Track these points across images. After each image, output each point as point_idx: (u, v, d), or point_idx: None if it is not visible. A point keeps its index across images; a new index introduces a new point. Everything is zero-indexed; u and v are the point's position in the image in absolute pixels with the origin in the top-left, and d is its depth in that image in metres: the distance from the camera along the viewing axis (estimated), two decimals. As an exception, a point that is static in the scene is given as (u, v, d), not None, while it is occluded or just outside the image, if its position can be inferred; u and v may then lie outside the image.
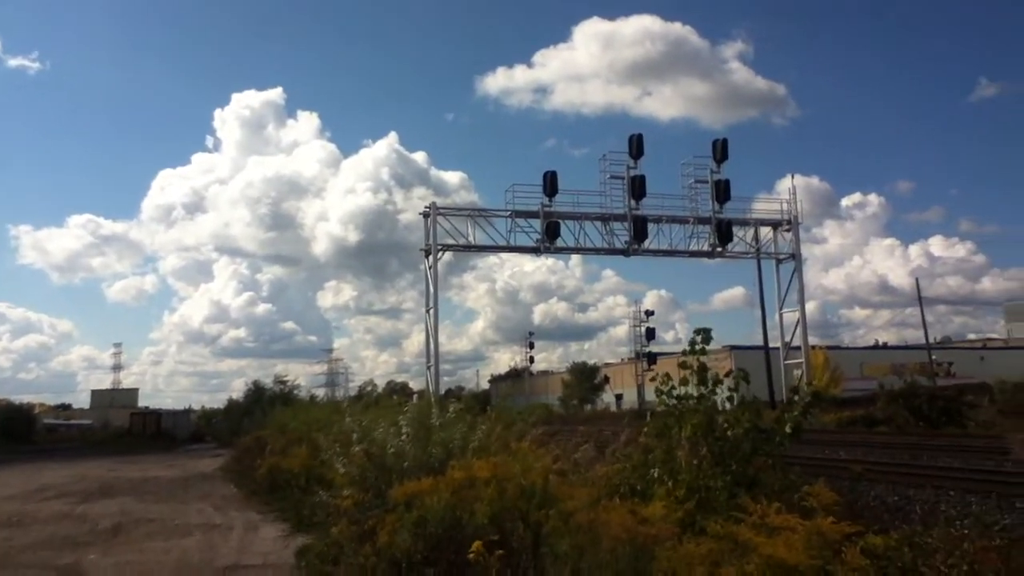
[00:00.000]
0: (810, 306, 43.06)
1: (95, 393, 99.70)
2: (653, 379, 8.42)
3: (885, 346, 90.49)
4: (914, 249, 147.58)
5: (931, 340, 68.07)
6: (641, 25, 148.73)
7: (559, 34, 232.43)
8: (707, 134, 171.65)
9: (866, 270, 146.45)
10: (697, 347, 7.97)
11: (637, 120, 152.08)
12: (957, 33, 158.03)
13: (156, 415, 65.97)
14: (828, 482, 7.15)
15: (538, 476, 8.25)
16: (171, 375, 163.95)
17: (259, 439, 24.78)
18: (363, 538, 9.27)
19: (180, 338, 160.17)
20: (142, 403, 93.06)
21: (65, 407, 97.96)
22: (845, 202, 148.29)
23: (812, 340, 46.40)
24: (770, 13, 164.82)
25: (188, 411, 74.54)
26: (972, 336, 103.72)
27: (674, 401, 8.00)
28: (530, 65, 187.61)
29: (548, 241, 37.57)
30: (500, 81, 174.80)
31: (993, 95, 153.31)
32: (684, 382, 7.94)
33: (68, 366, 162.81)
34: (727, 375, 8.01)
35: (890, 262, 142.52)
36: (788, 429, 7.79)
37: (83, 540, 12.48)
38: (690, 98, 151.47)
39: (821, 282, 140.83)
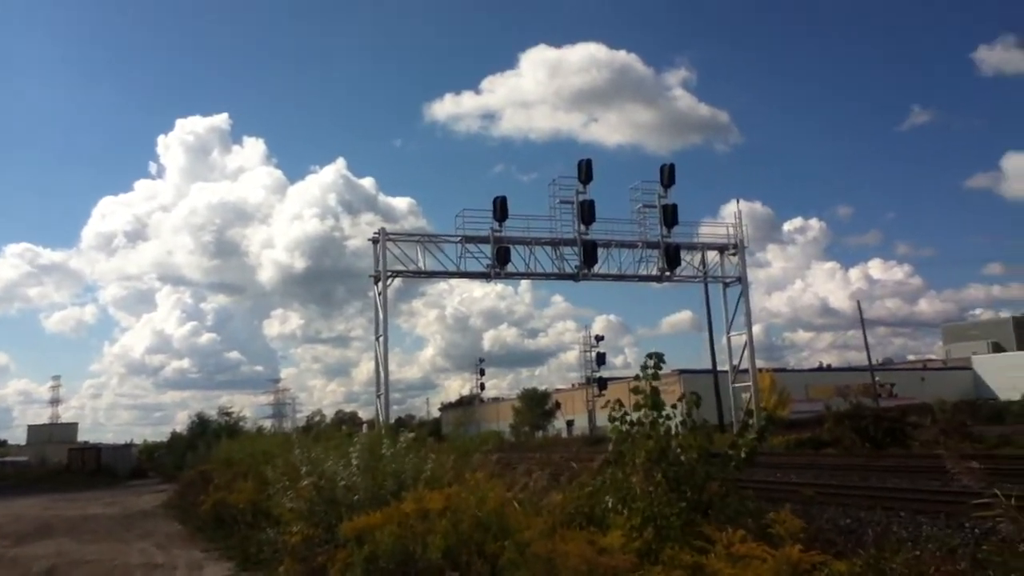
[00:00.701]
0: (756, 329, 43.62)
1: (32, 428, 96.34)
2: (605, 405, 8.31)
3: (829, 368, 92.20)
4: (854, 272, 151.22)
5: (873, 361, 69.51)
6: (587, 52, 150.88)
7: (506, 61, 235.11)
8: (653, 160, 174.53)
9: (808, 293, 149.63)
10: (649, 371, 7.90)
11: (584, 146, 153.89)
12: (890, 62, 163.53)
13: (96, 450, 63.88)
14: (780, 506, 7.13)
15: (493, 506, 8.07)
16: (112, 408, 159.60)
17: (203, 473, 24.11)
18: (313, 575, 9.01)
19: (121, 370, 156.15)
20: (82, 438, 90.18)
21: (0, 444, 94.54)
22: (787, 227, 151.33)
23: (759, 363, 46.97)
24: (713, 41, 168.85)
25: (129, 445, 72.49)
26: (912, 357, 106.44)
27: (627, 427, 7.90)
28: (478, 91, 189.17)
29: (499, 266, 37.47)
30: (447, 107, 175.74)
31: (925, 122, 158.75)
32: (636, 407, 7.85)
33: (3, 400, 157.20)
34: (680, 399, 7.94)
35: (831, 285, 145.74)
36: (743, 454, 7.75)
37: (15, 585, 11.92)
38: (635, 124, 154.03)
39: (765, 305, 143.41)
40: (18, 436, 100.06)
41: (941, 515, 12.13)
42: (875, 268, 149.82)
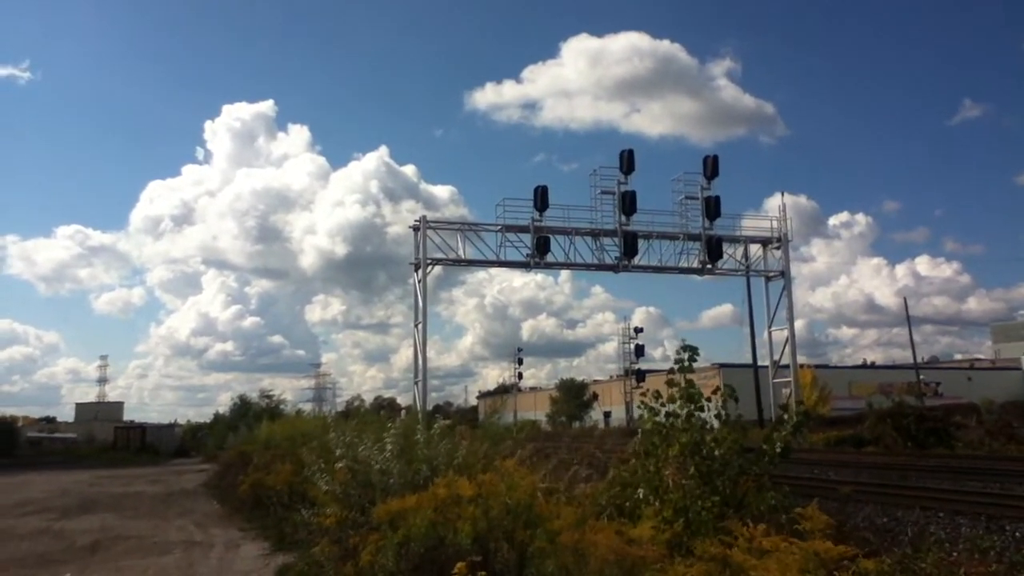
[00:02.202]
0: (798, 324, 43.06)
1: (80, 406, 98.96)
2: (642, 396, 8.26)
3: (873, 365, 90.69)
4: (900, 269, 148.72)
5: (918, 360, 68.24)
6: (629, 42, 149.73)
7: (547, 50, 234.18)
8: (695, 151, 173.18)
9: (853, 289, 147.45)
10: (684, 363, 7.85)
11: (626, 136, 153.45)
12: (942, 55, 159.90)
13: (141, 429, 65.34)
14: (817, 503, 7.05)
15: (524, 495, 8.09)
16: (157, 389, 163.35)
17: (243, 454, 24.50)
18: (345, 557, 9.10)
19: (167, 351, 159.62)
20: (127, 417, 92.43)
21: (49, 420, 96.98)
22: (832, 221, 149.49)
23: (800, 359, 46.37)
24: (758, 32, 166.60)
25: (173, 425, 73.93)
26: (959, 356, 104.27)
27: (661, 419, 7.86)
28: (519, 81, 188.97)
29: (538, 256, 37.39)
30: (489, 96, 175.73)
31: (977, 116, 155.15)
32: (671, 400, 7.81)
33: (53, 378, 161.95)
34: (714, 392, 7.87)
35: (877, 281, 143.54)
36: (778, 449, 7.68)
37: (59, 558, 12.24)
38: (678, 115, 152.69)
39: (808, 300, 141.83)
40: (66, 413, 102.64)
41: (981, 517, 11.89)
42: (923, 265, 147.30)
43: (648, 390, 8.29)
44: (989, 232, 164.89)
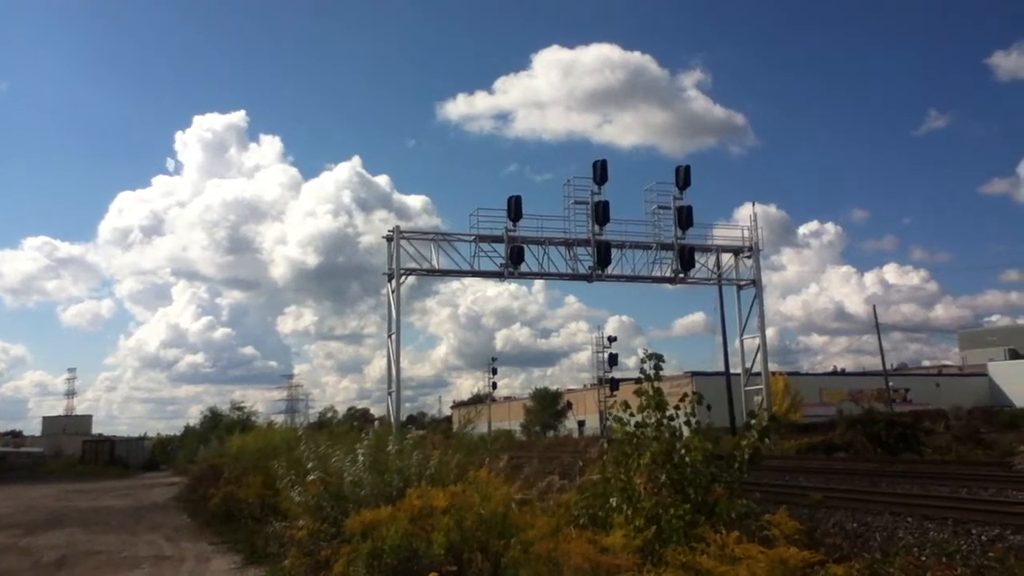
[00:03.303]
0: (769, 332, 43.42)
1: (47, 420, 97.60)
2: (611, 408, 8.30)
3: (843, 372, 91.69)
4: (869, 276, 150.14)
5: (888, 367, 69.05)
6: (601, 53, 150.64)
7: (519, 62, 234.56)
8: (667, 161, 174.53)
9: (823, 297, 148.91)
10: (650, 372, 7.88)
11: (598, 147, 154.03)
12: (908, 66, 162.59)
13: (109, 442, 64.46)
14: (788, 509, 7.10)
15: (498, 505, 8.09)
16: (126, 401, 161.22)
17: (214, 467, 24.25)
18: (317, 569, 9.05)
19: (136, 363, 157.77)
20: (96, 430, 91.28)
21: (16, 434, 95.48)
22: (802, 230, 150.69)
23: (772, 366, 46.76)
24: (728, 43, 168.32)
25: (143, 438, 72.95)
26: (927, 363, 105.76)
27: (631, 428, 7.88)
28: (491, 92, 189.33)
29: (512, 266, 37.49)
30: (461, 107, 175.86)
31: (942, 126, 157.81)
32: (641, 409, 7.84)
33: (20, 391, 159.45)
34: (682, 399, 7.91)
35: (846, 289, 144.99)
36: (746, 455, 7.73)
37: (25, 575, 12.02)
38: (650, 126, 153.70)
39: (779, 308, 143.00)
40: (34, 427, 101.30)
41: (948, 521, 12.05)
42: (891, 273, 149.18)
43: (616, 400, 8.32)
44: (956, 240, 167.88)
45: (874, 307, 65.83)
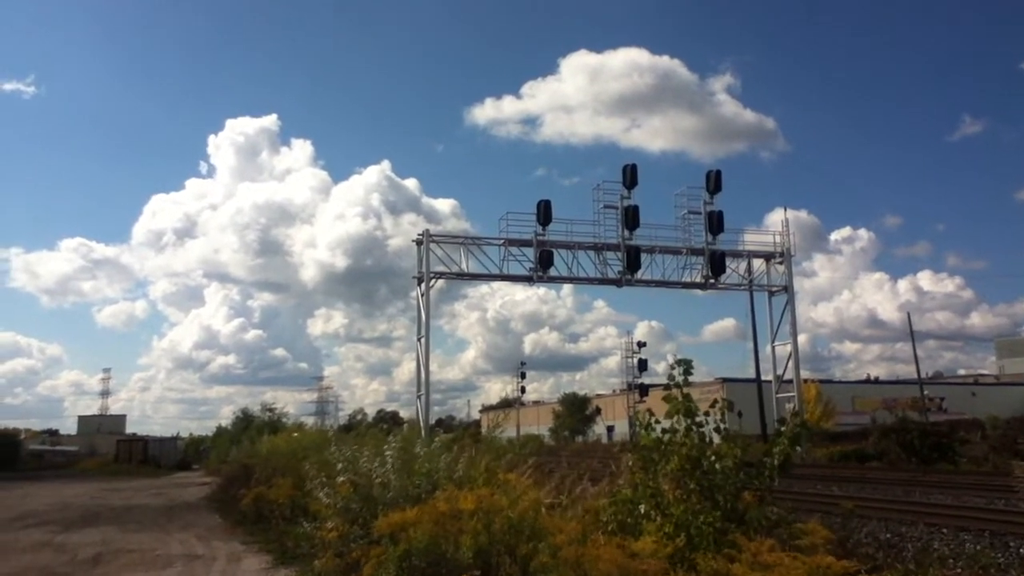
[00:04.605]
0: (801, 339, 42.94)
1: (82, 419, 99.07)
2: (638, 413, 8.28)
3: (876, 380, 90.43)
4: (903, 284, 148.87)
5: (922, 375, 68.02)
6: (628, 58, 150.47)
7: (546, 66, 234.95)
8: (696, 166, 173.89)
9: (855, 304, 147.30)
10: (678, 378, 7.83)
11: (626, 151, 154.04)
12: (941, 71, 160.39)
13: (143, 442, 65.23)
14: (819, 518, 7.03)
15: (527, 509, 8.08)
16: (159, 401, 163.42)
17: (246, 467, 24.46)
18: (347, 571, 9.10)
19: (169, 364, 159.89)
20: (129, 429, 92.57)
21: (52, 433, 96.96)
22: (834, 236, 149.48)
23: (804, 374, 46.23)
24: (757, 47, 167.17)
25: (175, 438, 73.78)
26: (963, 371, 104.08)
27: (657, 435, 7.82)
28: (518, 96, 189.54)
29: (541, 270, 37.41)
30: (488, 112, 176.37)
31: (976, 132, 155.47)
32: (669, 415, 7.79)
33: (56, 391, 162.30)
34: (712, 405, 7.84)
35: (879, 296, 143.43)
36: (776, 461, 7.64)
37: (61, 571, 12.22)
38: (679, 130, 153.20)
39: (811, 315, 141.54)
40: (69, 426, 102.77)
41: (985, 533, 11.85)
42: (925, 280, 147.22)
43: (646, 406, 8.28)
44: (991, 247, 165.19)
45: (908, 314, 64.80)
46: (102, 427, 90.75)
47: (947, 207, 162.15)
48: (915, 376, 64.65)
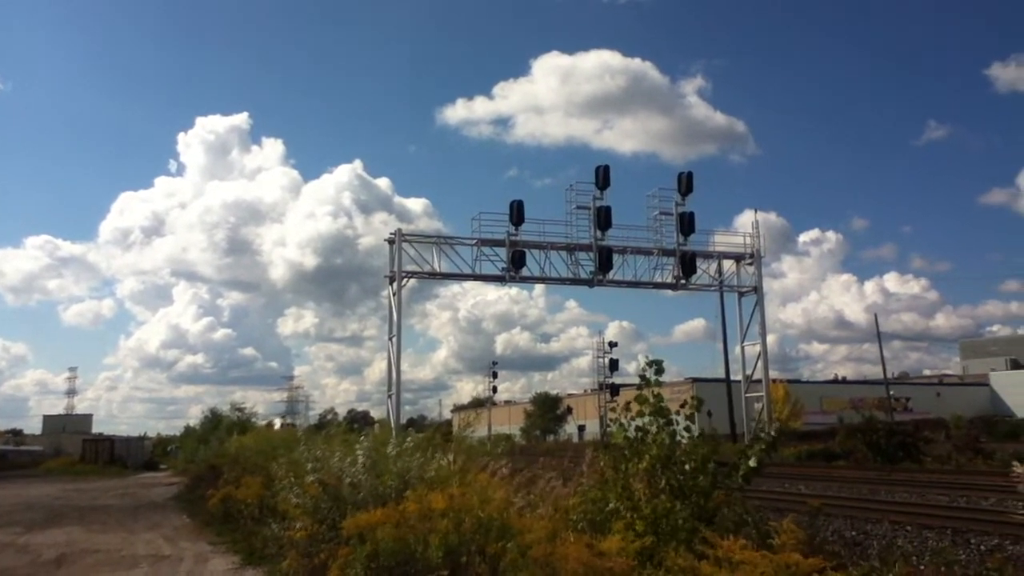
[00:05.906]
0: (770, 339, 43.34)
1: (47, 419, 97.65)
2: (612, 411, 8.31)
3: (844, 380, 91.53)
4: (870, 285, 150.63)
5: (888, 375, 68.94)
6: (600, 59, 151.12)
7: (518, 68, 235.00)
8: (667, 168, 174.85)
9: (823, 305, 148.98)
10: (650, 378, 7.87)
11: (598, 152, 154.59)
12: (908, 77, 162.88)
13: (109, 442, 64.33)
14: (794, 517, 7.08)
15: (496, 508, 8.07)
16: (126, 401, 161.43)
17: (213, 468, 24.25)
18: (314, 571, 9.04)
19: (136, 364, 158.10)
20: (96, 429, 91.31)
21: (16, 432, 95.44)
22: (802, 238, 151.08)
23: (772, 374, 46.67)
24: (729, 51, 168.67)
25: (143, 438, 72.97)
26: (928, 372, 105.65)
27: (631, 434, 7.85)
28: (490, 97, 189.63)
29: (513, 270, 37.41)
30: (460, 112, 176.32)
31: (941, 137, 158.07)
32: (640, 414, 7.82)
33: (20, 390, 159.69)
34: (683, 405, 7.90)
35: (846, 297, 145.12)
36: (752, 464, 7.70)
37: (23, 572, 12.04)
38: (650, 132, 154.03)
39: (779, 316, 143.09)
40: (34, 426, 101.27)
41: (948, 530, 12.04)
42: (891, 281, 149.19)
43: (617, 405, 8.31)
44: (956, 250, 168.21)
45: (875, 315, 65.69)
46: (68, 427, 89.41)
47: (913, 210, 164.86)
48: (881, 376, 65.64)
